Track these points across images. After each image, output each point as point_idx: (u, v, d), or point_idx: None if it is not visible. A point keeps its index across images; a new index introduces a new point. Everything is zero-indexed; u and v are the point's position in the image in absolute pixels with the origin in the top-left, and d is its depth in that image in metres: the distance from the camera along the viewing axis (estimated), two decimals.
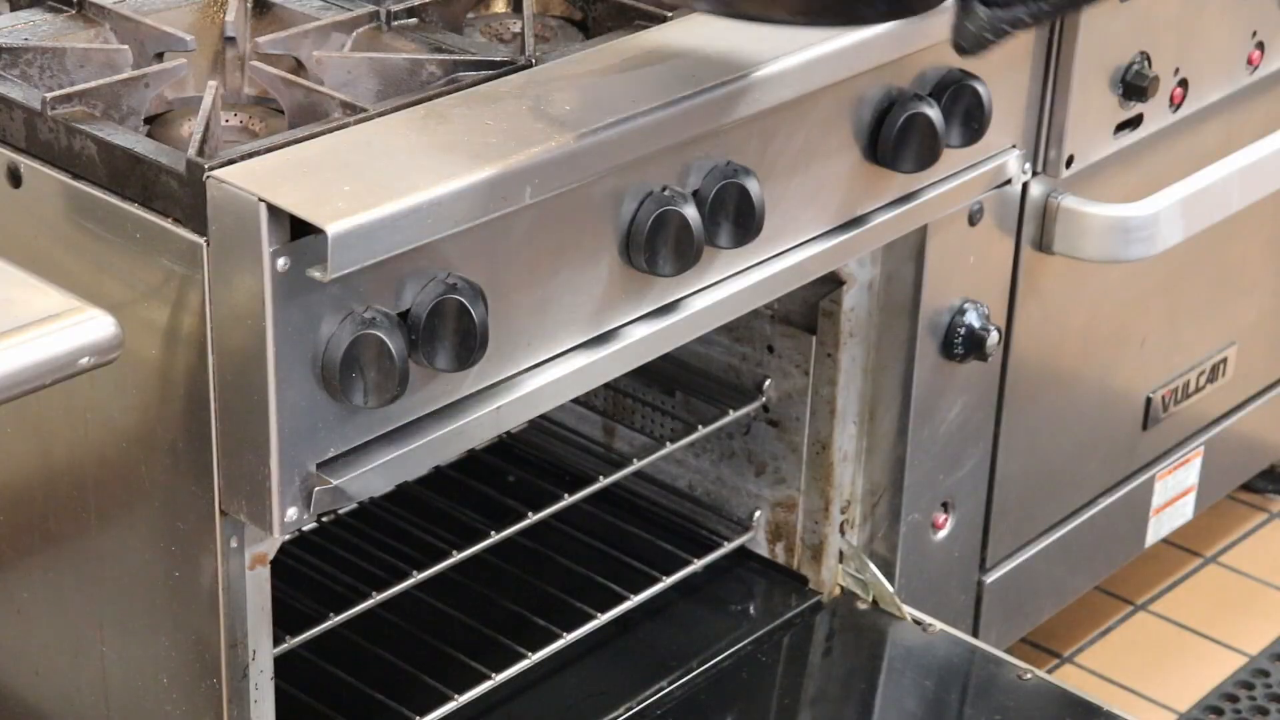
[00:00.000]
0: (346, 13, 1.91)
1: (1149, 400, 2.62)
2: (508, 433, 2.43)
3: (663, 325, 1.84)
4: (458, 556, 2.15)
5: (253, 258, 1.52)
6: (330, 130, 1.65)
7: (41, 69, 1.78)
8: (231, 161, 1.57)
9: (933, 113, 1.98)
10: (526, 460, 2.47)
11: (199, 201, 1.56)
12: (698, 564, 2.31)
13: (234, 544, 1.65)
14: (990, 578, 2.49)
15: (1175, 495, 2.77)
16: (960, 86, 2.01)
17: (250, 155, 1.59)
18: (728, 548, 2.35)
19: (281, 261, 1.52)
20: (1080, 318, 2.44)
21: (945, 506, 2.36)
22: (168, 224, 1.59)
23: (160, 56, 1.82)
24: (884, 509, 2.30)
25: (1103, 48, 2.26)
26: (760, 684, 2.21)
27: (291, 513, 1.61)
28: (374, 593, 2.08)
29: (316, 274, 1.52)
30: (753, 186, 1.82)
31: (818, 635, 2.30)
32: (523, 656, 2.13)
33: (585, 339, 1.79)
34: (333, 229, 1.49)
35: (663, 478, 2.44)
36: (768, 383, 2.30)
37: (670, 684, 2.18)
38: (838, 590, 2.33)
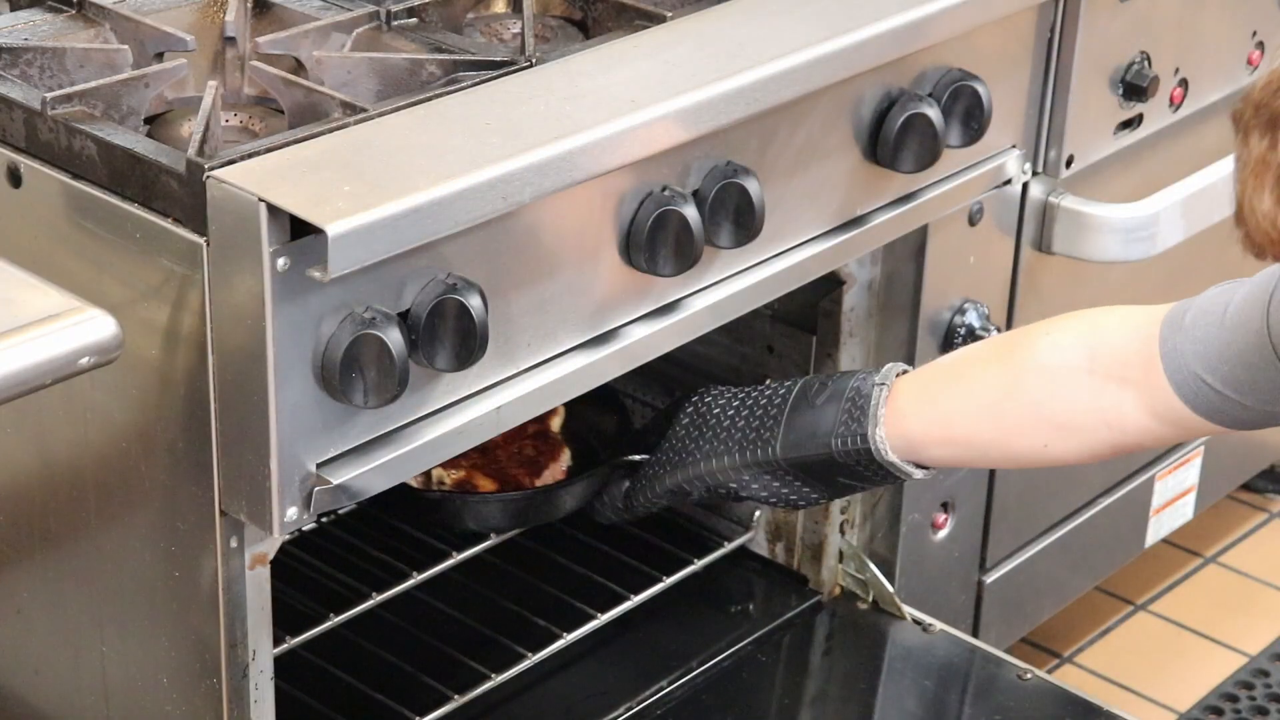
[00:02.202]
0: (346, 13, 1.91)
1: None
2: None
3: (663, 325, 1.84)
4: (458, 557, 2.15)
5: (253, 258, 1.52)
6: (330, 130, 1.65)
7: (41, 69, 1.78)
8: (231, 161, 1.57)
9: (933, 113, 1.98)
10: None
11: (199, 201, 1.55)
12: (698, 564, 2.31)
13: (234, 544, 1.65)
14: (990, 578, 2.49)
15: (1175, 495, 2.77)
16: (960, 86, 2.01)
17: (250, 155, 1.59)
18: (728, 548, 2.35)
19: (281, 261, 1.52)
20: None
21: (945, 506, 2.36)
22: (168, 224, 1.59)
23: (160, 56, 1.82)
24: (884, 509, 2.30)
25: (1103, 48, 2.26)
26: (760, 684, 2.21)
27: (291, 513, 1.61)
28: (374, 593, 2.08)
29: (316, 274, 1.52)
30: (753, 186, 1.82)
31: (818, 635, 2.30)
32: (523, 657, 2.13)
33: (585, 339, 1.78)
34: (332, 229, 1.49)
35: None
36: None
37: (670, 684, 2.17)
38: (838, 590, 2.33)
